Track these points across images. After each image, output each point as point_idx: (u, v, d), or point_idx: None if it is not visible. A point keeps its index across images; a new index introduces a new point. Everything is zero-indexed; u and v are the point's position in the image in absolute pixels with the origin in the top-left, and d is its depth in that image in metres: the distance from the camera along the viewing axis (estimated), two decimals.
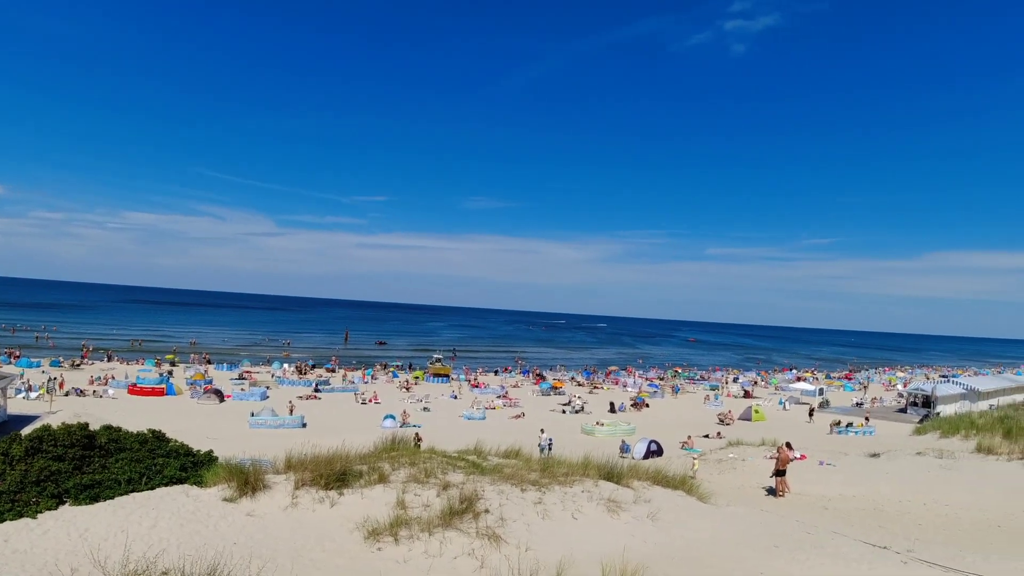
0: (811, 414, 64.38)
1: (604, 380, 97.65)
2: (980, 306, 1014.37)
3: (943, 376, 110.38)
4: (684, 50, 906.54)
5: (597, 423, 53.13)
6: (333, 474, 13.59)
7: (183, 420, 45.82)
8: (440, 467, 14.65)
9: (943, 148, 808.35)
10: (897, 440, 40.71)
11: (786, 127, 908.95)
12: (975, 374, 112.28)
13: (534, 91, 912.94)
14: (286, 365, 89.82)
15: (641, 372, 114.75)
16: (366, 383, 79.70)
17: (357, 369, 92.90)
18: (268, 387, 68.39)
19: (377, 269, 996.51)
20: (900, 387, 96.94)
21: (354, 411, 58.79)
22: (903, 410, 70.28)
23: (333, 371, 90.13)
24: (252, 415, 48.64)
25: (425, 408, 61.16)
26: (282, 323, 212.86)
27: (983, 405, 65.98)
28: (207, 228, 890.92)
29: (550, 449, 39.09)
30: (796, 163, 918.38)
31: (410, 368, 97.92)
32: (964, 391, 73.90)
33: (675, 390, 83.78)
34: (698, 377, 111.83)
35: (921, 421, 54.86)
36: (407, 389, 75.77)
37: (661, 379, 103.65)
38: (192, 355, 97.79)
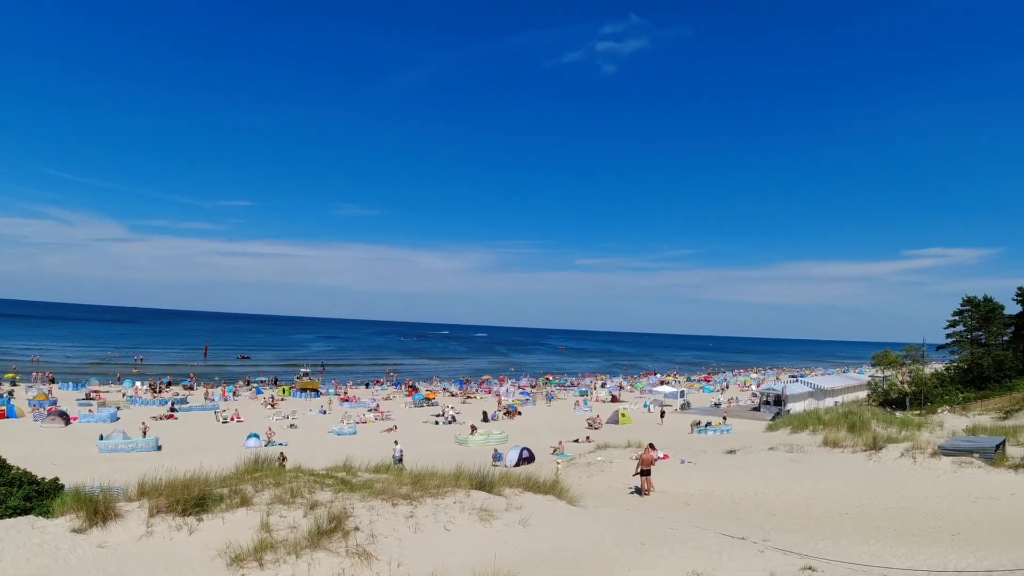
0: (662, 416, 67.14)
1: (477, 390, 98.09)
2: (824, 311, 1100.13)
3: (792, 376, 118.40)
4: (558, 66, 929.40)
5: (471, 432, 53.23)
6: (191, 499, 12.82)
7: (25, 445, 42.16)
8: (307, 486, 14.19)
9: (795, 164, 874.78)
10: (752, 437, 43.11)
11: (652, 145, 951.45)
12: (821, 374, 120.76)
13: (407, 99, 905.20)
14: (139, 383, 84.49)
15: (513, 380, 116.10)
16: (227, 400, 76.26)
17: (218, 386, 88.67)
18: (119, 407, 63.99)
19: (240, 278, 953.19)
20: (754, 387, 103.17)
21: (215, 431, 56.07)
22: (757, 409, 74.75)
23: (191, 388, 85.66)
24: (101, 438, 45.37)
25: (292, 425, 59.19)
26: (134, 337, 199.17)
27: (829, 402, 71.13)
28: (50, 233, 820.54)
29: (401, 460, 39.29)
30: (660, 177, 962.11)
31: (275, 383, 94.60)
32: (811, 390, 79.62)
33: (549, 398, 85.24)
34: (568, 384, 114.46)
35: (773, 418, 58.35)
36: (272, 406, 73.06)
37: (533, 387, 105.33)
38: (34, 373, 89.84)
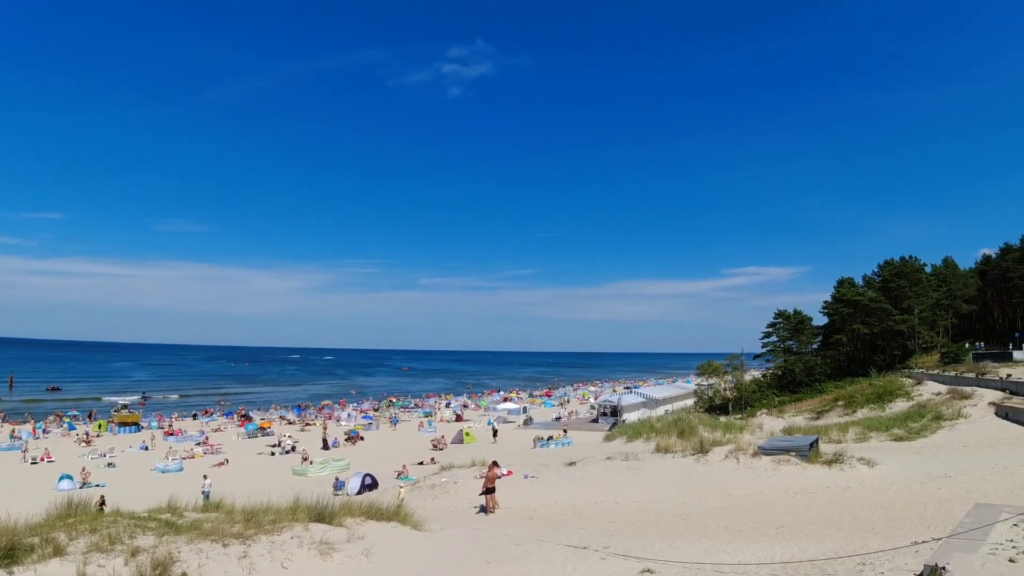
0: (495, 434, 67.14)
1: (316, 416, 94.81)
2: (653, 326, 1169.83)
3: (627, 388, 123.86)
4: (403, 86, 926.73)
5: (308, 461, 51.30)
6: None
7: None
8: (127, 531, 12.96)
9: (629, 189, 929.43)
10: (591, 448, 44.54)
11: (493, 166, 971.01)
12: (653, 384, 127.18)
13: (240, 108, 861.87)
14: None
15: (355, 404, 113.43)
16: (36, 438, 69.06)
17: (25, 422, 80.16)
18: None
19: (50, 300, 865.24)
20: (592, 400, 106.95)
21: (22, 472, 50.50)
22: (595, 420, 77.50)
23: None
24: None
25: (110, 464, 54.36)
26: None
27: (660, 411, 75.09)
28: None
29: (208, 497, 37.45)
30: (501, 198, 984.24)
31: (91, 417, 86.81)
32: (644, 400, 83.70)
33: (394, 421, 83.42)
34: (412, 405, 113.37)
35: (610, 429, 60.72)
36: (88, 443, 66.86)
37: (376, 410, 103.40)
38: None
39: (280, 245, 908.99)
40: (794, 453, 26.06)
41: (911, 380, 57.69)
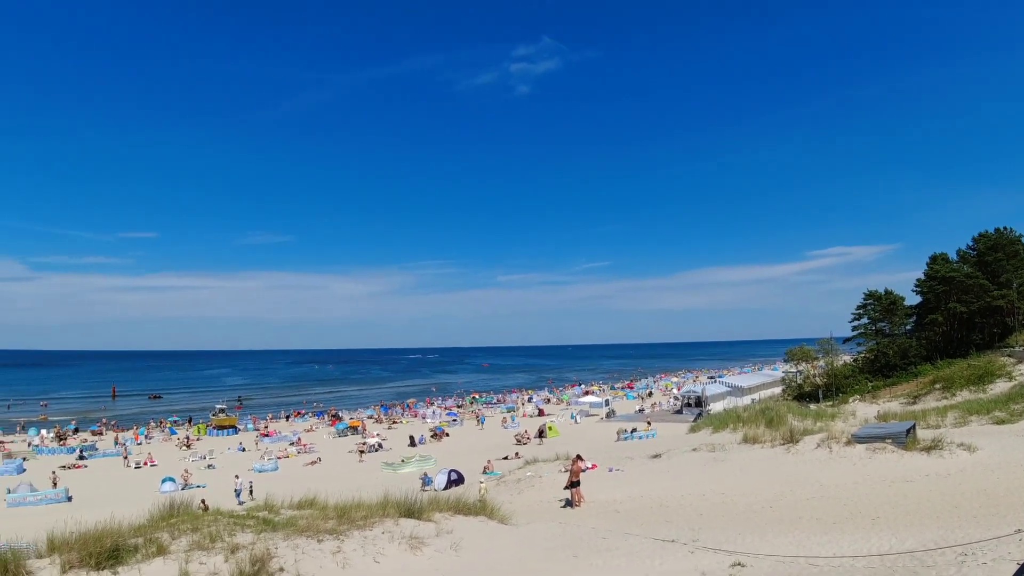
0: (540, 435, 63.83)
1: (403, 414, 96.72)
2: (729, 314, 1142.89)
3: (711, 377, 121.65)
4: (471, 88, 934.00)
5: (401, 460, 52.35)
6: (104, 551, 11.97)
7: None
8: (227, 529, 13.53)
9: (703, 175, 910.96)
10: (676, 440, 43.92)
11: (564, 161, 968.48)
12: (738, 373, 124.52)
13: (314, 121, 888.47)
14: (44, 431, 79.67)
15: (440, 401, 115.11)
16: (140, 444, 72.83)
17: (128, 429, 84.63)
18: (25, 458, 60.45)
19: (146, 314, 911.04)
20: (676, 391, 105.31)
21: (127, 477, 53.36)
22: (679, 412, 76.34)
23: (100, 433, 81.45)
24: (8, 492, 42.63)
25: (210, 465, 56.88)
26: (36, 382, 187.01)
27: (746, 400, 73.28)
28: None
29: (250, 493, 39.18)
30: (572, 193, 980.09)
31: (190, 422, 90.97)
32: (729, 389, 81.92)
33: (481, 420, 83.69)
34: (494, 401, 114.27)
35: (695, 420, 59.69)
36: (188, 446, 70.12)
37: (459, 407, 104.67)
38: None
39: (359, 251, 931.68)
40: (890, 440, 25.05)
41: (1012, 359, 54.71)
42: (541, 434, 61.92)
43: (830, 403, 61.74)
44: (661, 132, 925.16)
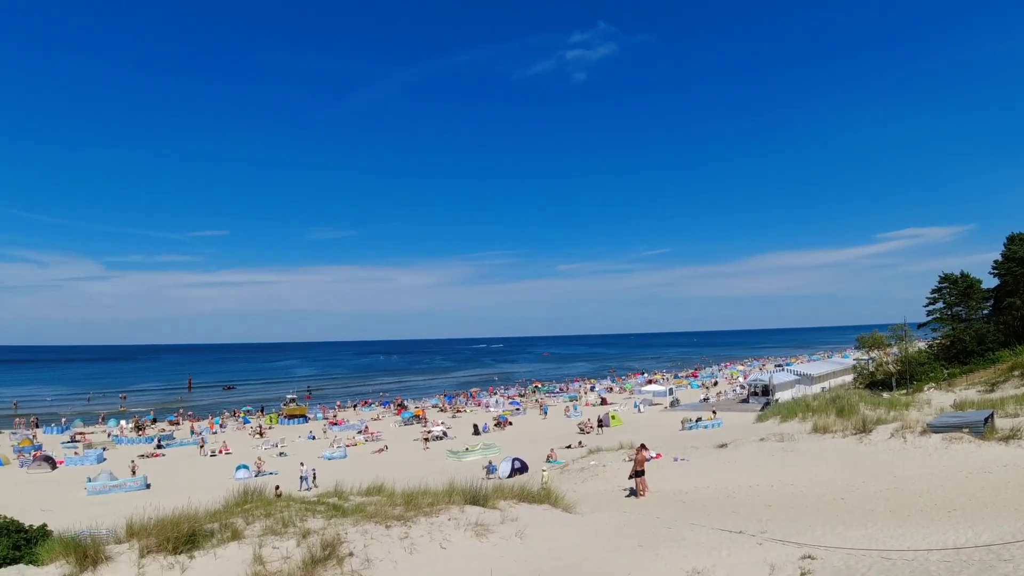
0: (600, 424, 62.21)
1: (467, 403, 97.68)
2: (794, 300, 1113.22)
3: (778, 366, 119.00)
4: (527, 78, 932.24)
5: (464, 448, 52.90)
6: (181, 537, 12.52)
7: (12, 493, 41.75)
8: (298, 514, 13.95)
9: (752, 166, 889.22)
10: (742, 429, 43.20)
11: (624, 146, 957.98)
12: (806, 361, 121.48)
13: (373, 116, 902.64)
14: (123, 422, 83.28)
15: (502, 391, 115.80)
16: (215, 433, 75.40)
17: (204, 419, 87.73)
18: (105, 448, 63.18)
19: (219, 309, 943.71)
20: (741, 379, 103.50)
21: (203, 465, 55.35)
22: (745, 400, 75.08)
23: (177, 423, 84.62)
24: (89, 480, 44.60)
25: (281, 453, 58.57)
26: (115, 375, 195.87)
27: (816, 388, 71.51)
28: (23, 275, 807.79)
29: (314, 480, 40.19)
30: (632, 178, 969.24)
31: (262, 412, 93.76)
32: (798, 377, 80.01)
33: (544, 410, 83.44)
34: (557, 390, 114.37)
35: (762, 409, 58.61)
36: (260, 434, 72.33)
37: (522, 396, 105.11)
38: (16, 419, 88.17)
39: (421, 243, 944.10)
40: (967, 429, 24.14)
41: None
42: (601, 423, 61.66)
43: (903, 391, 59.76)
44: (722, 114, 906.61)
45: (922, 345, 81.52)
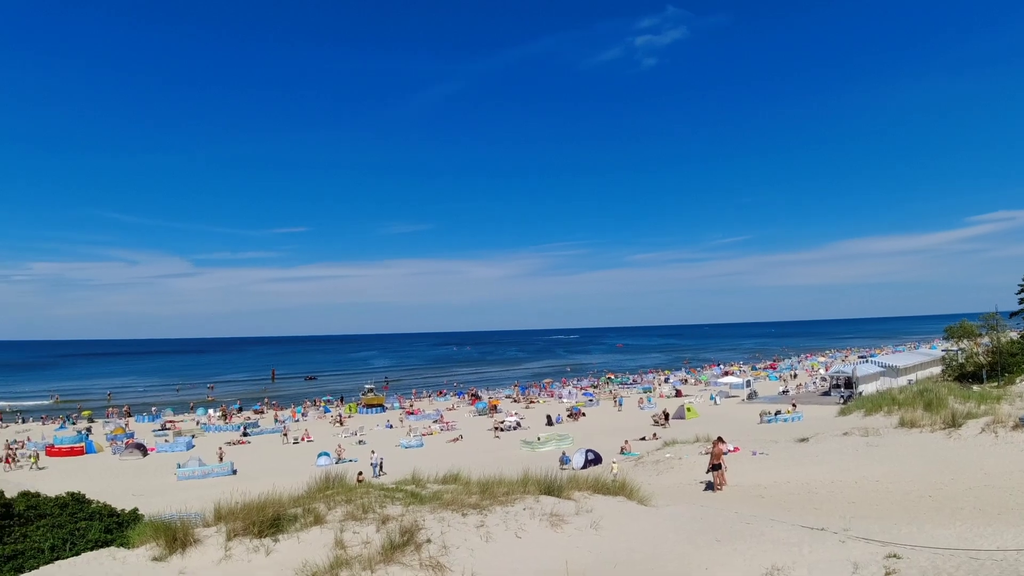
0: (666, 418, 60.21)
1: (540, 394, 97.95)
2: (877, 288, 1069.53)
3: (861, 357, 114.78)
4: (595, 66, 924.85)
5: (538, 438, 53.11)
6: (266, 521, 13.06)
7: (106, 479, 43.91)
8: (378, 501, 14.36)
9: (833, 150, 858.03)
10: (824, 423, 42.06)
11: (696, 132, 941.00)
12: (892, 352, 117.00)
13: (442, 112, 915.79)
14: (211, 410, 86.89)
15: (575, 382, 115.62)
16: (297, 421, 77.82)
17: (287, 408, 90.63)
18: (193, 435, 66.04)
19: (300, 302, 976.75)
20: (822, 371, 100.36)
21: (286, 452, 57.22)
22: (827, 393, 72.84)
23: (261, 412, 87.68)
24: (179, 466, 46.74)
25: (360, 441, 60.03)
26: (203, 367, 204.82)
27: (902, 381, 68.88)
28: (116, 273, 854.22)
29: (381, 468, 40.61)
30: (703, 166, 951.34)
31: (342, 401, 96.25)
32: (883, 369, 77.09)
33: (619, 401, 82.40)
34: (630, 381, 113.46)
35: (845, 402, 56.78)
36: (340, 423, 74.30)
37: (595, 387, 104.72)
38: (109, 409, 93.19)
39: (493, 236, 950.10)
40: None
41: None
42: (667, 417, 60.67)
43: (995, 384, 56.99)
44: (799, 96, 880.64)
45: (1015, 335, 77.33)
